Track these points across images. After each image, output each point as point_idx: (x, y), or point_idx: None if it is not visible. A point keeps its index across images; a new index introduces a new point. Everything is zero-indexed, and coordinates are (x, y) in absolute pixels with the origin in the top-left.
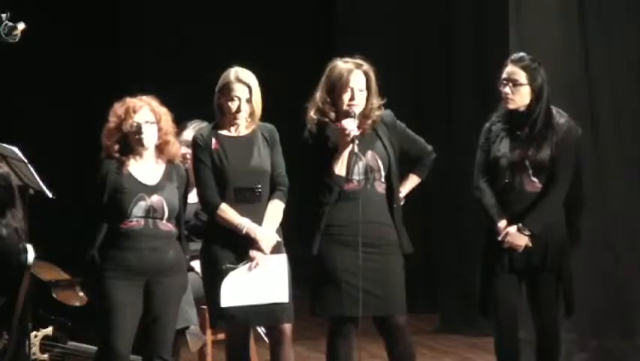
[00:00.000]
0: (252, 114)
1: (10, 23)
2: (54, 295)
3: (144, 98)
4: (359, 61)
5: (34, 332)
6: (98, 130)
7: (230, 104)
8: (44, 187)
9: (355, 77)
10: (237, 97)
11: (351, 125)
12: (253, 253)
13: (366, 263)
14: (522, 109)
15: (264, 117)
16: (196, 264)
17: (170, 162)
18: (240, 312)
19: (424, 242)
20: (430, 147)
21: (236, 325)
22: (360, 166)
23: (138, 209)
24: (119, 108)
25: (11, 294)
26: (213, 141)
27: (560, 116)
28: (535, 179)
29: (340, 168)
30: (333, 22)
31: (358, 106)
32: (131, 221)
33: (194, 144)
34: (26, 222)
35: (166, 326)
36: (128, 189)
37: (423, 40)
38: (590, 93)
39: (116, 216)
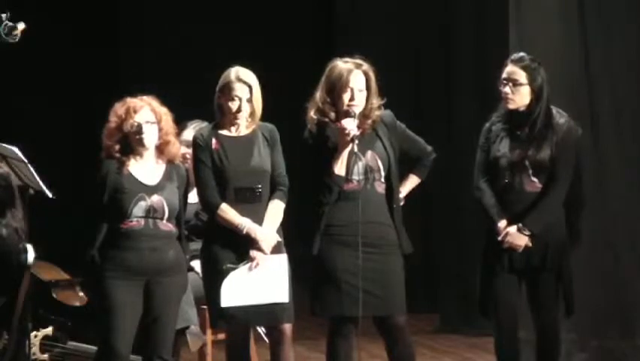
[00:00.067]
0: (252, 114)
1: (10, 23)
2: (54, 295)
3: (145, 98)
4: (359, 61)
5: (34, 332)
6: (98, 130)
7: (230, 103)
8: (44, 187)
9: (355, 77)
10: (238, 96)
11: (350, 125)
12: (253, 253)
13: (366, 263)
14: (522, 109)
15: (264, 117)
16: (196, 264)
17: (170, 162)
18: (240, 312)
19: (424, 242)
20: (429, 148)
21: (237, 325)
22: (359, 166)
23: (138, 209)
24: (119, 108)
25: (11, 294)
26: (214, 140)
27: (560, 116)
28: (535, 179)
29: (340, 168)
30: (333, 22)
31: (358, 106)
32: (131, 221)
33: (195, 144)
34: (26, 222)
35: (166, 326)
36: (129, 189)
37: (423, 40)
38: (590, 93)
39: (116, 216)
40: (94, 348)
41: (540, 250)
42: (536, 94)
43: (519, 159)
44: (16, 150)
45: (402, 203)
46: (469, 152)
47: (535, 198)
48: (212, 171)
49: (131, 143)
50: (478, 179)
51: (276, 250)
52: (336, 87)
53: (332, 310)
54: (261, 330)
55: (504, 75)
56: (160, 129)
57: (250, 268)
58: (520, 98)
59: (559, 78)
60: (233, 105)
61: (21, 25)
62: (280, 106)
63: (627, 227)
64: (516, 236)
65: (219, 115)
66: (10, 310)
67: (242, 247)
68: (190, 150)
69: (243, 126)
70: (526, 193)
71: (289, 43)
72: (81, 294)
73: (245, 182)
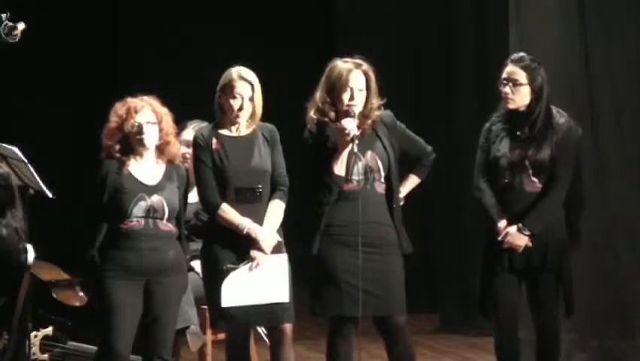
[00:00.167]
0: (252, 114)
1: (10, 23)
2: (54, 295)
3: (145, 98)
4: (359, 61)
5: (34, 332)
6: (98, 130)
7: (232, 101)
8: (44, 187)
9: (355, 76)
10: (240, 95)
11: (350, 125)
12: (254, 253)
13: (366, 263)
14: (522, 109)
15: (264, 117)
16: (196, 264)
17: (170, 162)
18: (241, 312)
19: (424, 242)
20: (429, 148)
21: (237, 325)
22: (359, 166)
23: (138, 209)
24: (120, 108)
25: (11, 294)
26: (214, 140)
27: (560, 116)
28: (535, 179)
29: (340, 168)
30: (333, 22)
31: (358, 106)
32: (132, 221)
33: (195, 144)
34: (26, 222)
35: (166, 326)
36: (129, 189)
37: (423, 40)
38: (590, 93)
39: (116, 216)
40: (94, 348)
41: (540, 250)
42: (536, 94)
43: (519, 159)
44: (16, 150)
45: (402, 203)
46: (469, 152)
47: (535, 198)
48: (213, 171)
49: (132, 143)
50: (478, 179)
51: (276, 250)
52: (336, 87)
53: (332, 310)
54: (262, 330)
55: (504, 75)
56: (160, 130)
57: (250, 268)
58: (520, 98)
59: (559, 78)
60: (236, 103)
61: (21, 25)
62: (280, 106)
63: (627, 227)
64: (516, 236)
65: (220, 115)
66: (10, 310)
67: (242, 247)
68: (190, 150)
69: (244, 126)
70: (526, 193)
71: (289, 43)
72: (81, 294)
73: (245, 182)
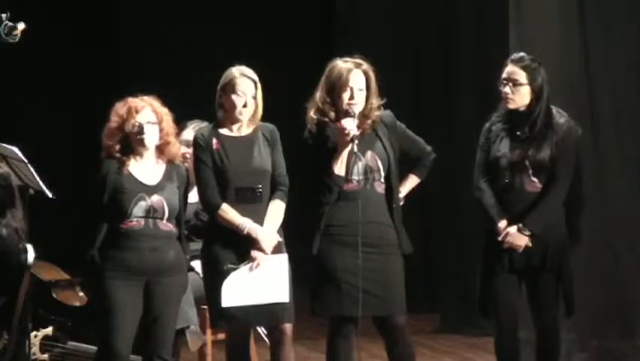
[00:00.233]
0: (254, 113)
1: (10, 23)
2: (54, 295)
3: (146, 98)
4: (359, 60)
5: (34, 332)
6: (98, 130)
7: (235, 99)
8: (44, 187)
9: (355, 76)
10: (243, 92)
11: (350, 125)
12: (254, 253)
13: (366, 263)
14: (522, 109)
15: (264, 117)
16: (196, 264)
17: (170, 162)
18: (241, 312)
19: (423, 242)
20: (429, 148)
21: (237, 325)
22: (359, 166)
23: (138, 209)
24: (121, 108)
25: (11, 294)
26: (214, 140)
27: (560, 116)
28: (535, 179)
29: (340, 168)
30: (333, 22)
31: (358, 105)
32: (131, 221)
33: (195, 144)
34: (26, 222)
35: (166, 326)
36: (129, 189)
37: (423, 40)
38: (590, 93)
39: (116, 216)
40: (94, 348)
41: (540, 250)
42: (536, 94)
43: (519, 159)
44: (16, 150)
45: (402, 203)
46: (469, 152)
47: (536, 198)
48: (213, 171)
49: (132, 143)
50: (478, 179)
51: (276, 250)
52: (336, 87)
53: (332, 310)
54: (262, 330)
55: (504, 75)
56: (161, 130)
57: (251, 269)
58: (521, 98)
59: (559, 78)
60: (239, 100)
61: (21, 25)
62: (280, 106)
63: (627, 227)
64: (516, 236)
65: (222, 114)
66: (10, 310)
67: (242, 247)
68: (190, 150)
69: (246, 124)
70: (526, 193)
71: (289, 43)
72: (81, 294)
73: (245, 182)
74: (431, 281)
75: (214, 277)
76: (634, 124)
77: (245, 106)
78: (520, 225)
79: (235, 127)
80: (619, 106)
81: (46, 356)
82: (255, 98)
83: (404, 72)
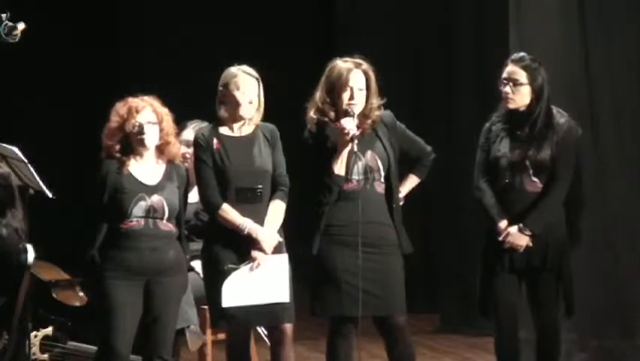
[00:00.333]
0: (256, 112)
1: (10, 23)
2: (54, 295)
3: (146, 98)
4: (359, 60)
5: (34, 332)
6: (98, 130)
7: (238, 95)
8: (44, 187)
9: (355, 76)
10: (247, 89)
11: (350, 125)
12: (255, 253)
13: (366, 263)
14: (522, 109)
15: (264, 117)
16: (196, 264)
17: (170, 162)
18: (241, 312)
19: (423, 242)
20: (429, 148)
21: (237, 325)
22: (359, 166)
23: (138, 209)
24: (121, 108)
25: (11, 294)
26: (215, 140)
27: (560, 116)
28: (535, 179)
29: (340, 168)
30: (333, 22)
31: (358, 105)
32: (131, 221)
33: (196, 144)
34: (26, 222)
35: (166, 326)
36: (129, 189)
37: (423, 40)
38: (590, 93)
39: (116, 216)
40: (94, 348)
41: (540, 250)
42: (537, 94)
43: (519, 158)
44: (16, 150)
45: (402, 203)
46: (469, 152)
47: (536, 198)
48: (214, 171)
49: (132, 143)
50: (478, 179)
51: (277, 250)
52: (336, 86)
53: (332, 310)
54: (262, 330)
55: (504, 75)
56: (161, 130)
57: (251, 269)
58: (521, 98)
59: (559, 78)
60: (243, 97)
61: (21, 25)
62: (280, 106)
63: (627, 227)
64: (517, 236)
65: (222, 112)
66: (10, 310)
67: (243, 248)
68: (190, 150)
69: (246, 124)
70: (526, 193)
71: (289, 43)
72: (81, 294)
73: (246, 182)
74: (431, 281)
75: (214, 277)
76: (634, 124)
77: (250, 103)
78: (521, 225)
79: (236, 127)
80: (619, 106)
81: (46, 356)
82: (257, 96)
83: (404, 72)
